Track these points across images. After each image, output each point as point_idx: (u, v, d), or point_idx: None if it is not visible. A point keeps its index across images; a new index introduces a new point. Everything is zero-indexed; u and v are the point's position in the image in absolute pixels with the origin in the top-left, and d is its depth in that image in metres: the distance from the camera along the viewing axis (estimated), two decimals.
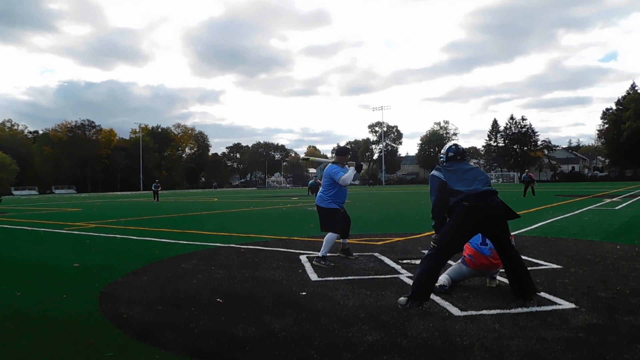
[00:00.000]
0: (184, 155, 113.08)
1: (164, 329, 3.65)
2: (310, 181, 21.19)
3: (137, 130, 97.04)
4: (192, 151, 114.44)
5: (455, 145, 4.58)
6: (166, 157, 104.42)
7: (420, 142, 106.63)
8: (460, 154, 4.47)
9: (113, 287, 5.11)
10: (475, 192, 4.09)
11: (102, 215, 17.54)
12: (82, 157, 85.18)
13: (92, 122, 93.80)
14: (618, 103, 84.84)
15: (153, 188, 30.14)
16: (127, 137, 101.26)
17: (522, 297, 4.11)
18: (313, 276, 5.44)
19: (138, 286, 5.15)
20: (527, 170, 28.71)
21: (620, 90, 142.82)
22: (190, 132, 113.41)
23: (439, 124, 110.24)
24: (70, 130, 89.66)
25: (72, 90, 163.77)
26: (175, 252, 7.49)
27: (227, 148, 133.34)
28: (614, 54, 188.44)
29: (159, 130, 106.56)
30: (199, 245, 8.20)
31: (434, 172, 4.41)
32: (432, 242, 4.28)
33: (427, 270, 4.03)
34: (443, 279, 4.62)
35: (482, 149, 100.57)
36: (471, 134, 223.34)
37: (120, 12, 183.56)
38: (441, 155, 4.69)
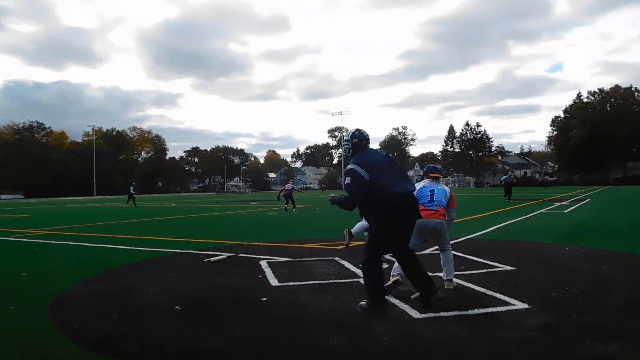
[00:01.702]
0: (140, 159, 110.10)
1: (119, 339, 3.52)
2: (294, 185, 20.07)
3: (91, 133, 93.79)
4: (149, 155, 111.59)
5: (359, 130, 4.40)
6: (121, 161, 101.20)
7: (380, 147, 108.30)
8: (365, 139, 4.35)
9: (65, 297, 4.89)
10: (406, 192, 4.11)
11: (52, 221, 16.83)
12: (31, 161, 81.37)
13: (42, 124, 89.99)
14: (566, 111, 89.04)
15: (131, 191, 27.87)
16: (80, 140, 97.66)
17: (428, 293, 4.14)
18: (274, 282, 5.40)
19: (92, 295, 4.96)
20: (510, 173, 27.40)
21: (566, 99, 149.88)
22: (146, 135, 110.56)
23: (397, 129, 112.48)
24: (17, 132, 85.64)
25: (19, 91, 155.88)
26: (131, 259, 7.26)
27: (185, 152, 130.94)
28: (559, 65, 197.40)
29: (114, 133, 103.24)
30: (156, 252, 7.99)
31: (354, 166, 4.11)
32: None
33: (371, 276, 4.12)
34: (394, 271, 4.80)
35: (439, 154, 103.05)
36: (428, 139, 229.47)
37: (72, 11, 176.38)
38: (345, 143, 4.52)
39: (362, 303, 4.12)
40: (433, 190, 4.99)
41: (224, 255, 7.14)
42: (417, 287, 4.23)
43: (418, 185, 5.05)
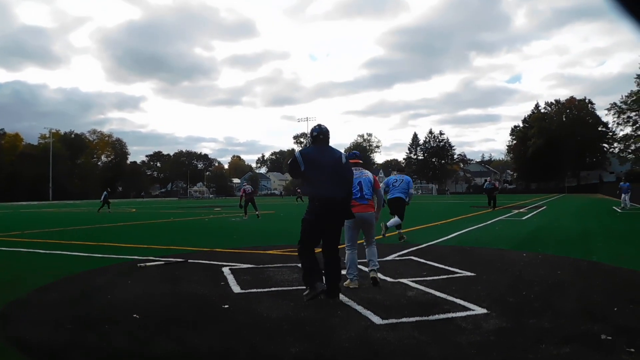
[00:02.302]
0: (99, 163, 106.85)
1: (73, 350, 3.40)
2: (249, 186, 19.52)
3: (47, 135, 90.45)
4: (109, 159, 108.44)
5: (319, 125, 4.79)
6: (80, 165, 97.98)
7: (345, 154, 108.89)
8: (323, 134, 4.72)
9: (15, 307, 4.68)
10: (333, 197, 4.43)
11: (3, 227, 16.11)
12: None
13: None
14: (524, 121, 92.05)
15: (103, 198, 27.14)
16: (36, 143, 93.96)
17: (329, 292, 4.52)
18: (236, 289, 5.32)
19: (45, 304, 4.76)
20: (489, 179, 26.94)
21: (524, 109, 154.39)
22: (107, 139, 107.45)
23: (362, 136, 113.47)
24: None
25: None
26: (88, 267, 7.03)
27: (147, 156, 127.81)
28: (518, 76, 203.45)
29: (72, 136, 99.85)
30: (114, 259, 7.76)
31: (297, 153, 4.66)
32: None
33: (302, 262, 4.58)
34: (351, 274, 5.14)
35: (403, 161, 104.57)
36: (392, 146, 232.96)
37: (30, 10, 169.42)
38: (309, 136, 4.99)
39: (304, 294, 4.40)
40: (360, 182, 5.30)
41: (162, 260, 7.14)
42: (326, 279, 4.56)
43: None
